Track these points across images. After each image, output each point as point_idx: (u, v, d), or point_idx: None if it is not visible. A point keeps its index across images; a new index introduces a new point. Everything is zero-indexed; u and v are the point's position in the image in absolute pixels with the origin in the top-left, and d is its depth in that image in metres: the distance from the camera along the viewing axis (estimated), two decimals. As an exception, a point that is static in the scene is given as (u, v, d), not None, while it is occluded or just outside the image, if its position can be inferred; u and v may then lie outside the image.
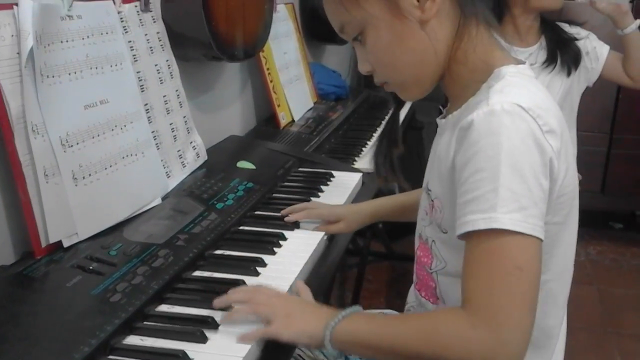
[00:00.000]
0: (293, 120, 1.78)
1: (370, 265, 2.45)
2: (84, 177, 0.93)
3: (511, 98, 0.72)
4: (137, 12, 1.10)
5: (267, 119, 1.80)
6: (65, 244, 0.90)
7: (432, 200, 0.86)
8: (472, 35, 0.80)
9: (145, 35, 1.12)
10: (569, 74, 1.78)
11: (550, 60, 1.77)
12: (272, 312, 0.80)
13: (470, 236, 0.72)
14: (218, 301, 0.82)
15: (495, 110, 0.72)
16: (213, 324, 0.79)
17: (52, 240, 0.88)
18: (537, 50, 1.79)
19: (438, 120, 0.89)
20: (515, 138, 0.70)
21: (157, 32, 1.15)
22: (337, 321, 0.77)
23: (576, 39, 1.80)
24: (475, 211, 0.71)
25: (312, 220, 1.12)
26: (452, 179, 0.77)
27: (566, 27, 1.84)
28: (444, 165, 0.80)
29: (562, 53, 1.78)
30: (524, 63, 0.83)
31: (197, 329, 0.76)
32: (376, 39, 0.82)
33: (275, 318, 0.79)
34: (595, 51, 1.83)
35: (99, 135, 0.96)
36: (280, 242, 1.03)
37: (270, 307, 0.80)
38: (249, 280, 0.90)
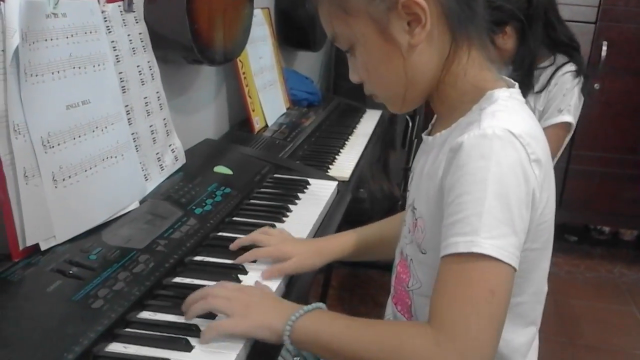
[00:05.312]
0: (266, 126, 1.78)
1: (334, 271, 2.46)
2: (63, 179, 0.90)
3: (503, 123, 0.73)
4: (121, 12, 1.08)
5: (240, 123, 1.79)
6: (43, 247, 0.87)
7: (416, 219, 0.85)
8: (463, 61, 0.81)
9: (128, 35, 1.10)
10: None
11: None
12: (229, 305, 0.77)
13: (450, 256, 0.72)
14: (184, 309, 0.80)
15: (487, 134, 0.72)
16: (197, 332, 0.78)
17: (30, 243, 0.85)
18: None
19: (424, 136, 0.90)
20: (504, 165, 0.71)
21: (140, 33, 1.13)
22: (298, 316, 0.75)
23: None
24: (458, 234, 0.71)
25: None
26: (439, 201, 0.77)
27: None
28: (432, 185, 0.80)
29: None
30: (514, 85, 0.84)
31: (182, 337, 0.76)
32: (364, 56, 0.82)
33: (232, 311, 0.77)
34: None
35: (79, 137, 0.94)
36: (261, 249, 1.03)
37: (227, 300, 0.78)
38: (232, 288, 0.89)
